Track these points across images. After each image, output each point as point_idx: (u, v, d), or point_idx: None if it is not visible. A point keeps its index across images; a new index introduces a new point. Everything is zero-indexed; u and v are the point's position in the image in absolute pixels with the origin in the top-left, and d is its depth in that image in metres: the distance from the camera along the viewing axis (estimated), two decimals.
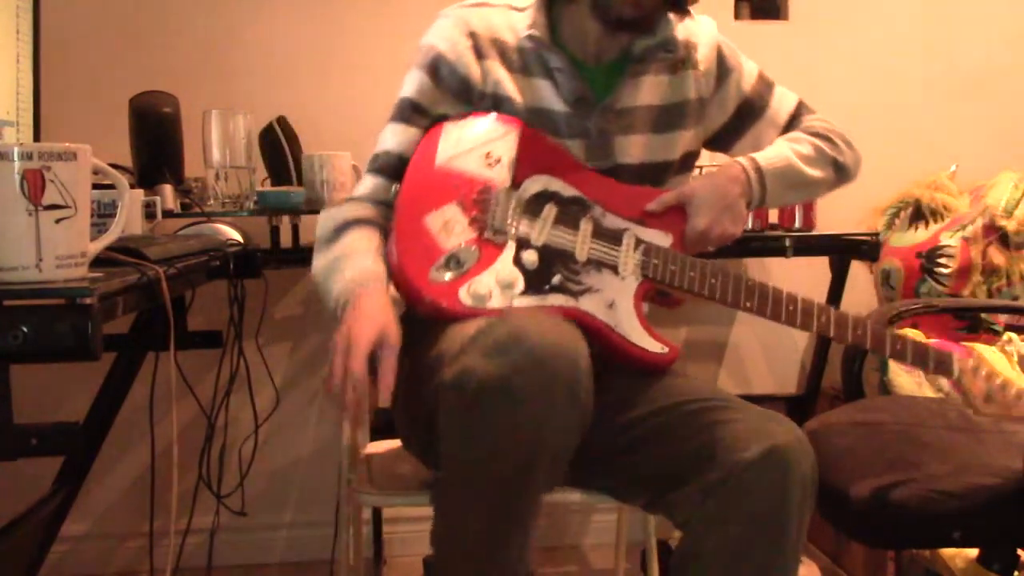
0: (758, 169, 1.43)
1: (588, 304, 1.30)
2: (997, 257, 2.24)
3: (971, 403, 1.39)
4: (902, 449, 1.44)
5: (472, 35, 1.40)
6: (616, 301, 1.32)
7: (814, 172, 1.48)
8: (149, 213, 1.74)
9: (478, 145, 1.36)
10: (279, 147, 2.14)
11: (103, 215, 1.51)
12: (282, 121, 2.15)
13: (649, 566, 1.81)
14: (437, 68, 1.39)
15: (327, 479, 2.40)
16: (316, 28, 2.38)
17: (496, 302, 1.26)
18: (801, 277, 2.42)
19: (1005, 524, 1.32)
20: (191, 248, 1.50)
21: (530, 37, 1.39)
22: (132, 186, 1.84)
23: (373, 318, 1.20)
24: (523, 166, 1.36)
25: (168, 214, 1.89)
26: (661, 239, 1.38)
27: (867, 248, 2.25)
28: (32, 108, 1.57)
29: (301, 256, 2.13)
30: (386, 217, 1.36)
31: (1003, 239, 2.25)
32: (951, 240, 2.28)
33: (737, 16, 2.57)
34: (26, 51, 1.55)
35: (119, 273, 1.13)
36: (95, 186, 1.33)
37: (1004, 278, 2.26)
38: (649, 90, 1.43)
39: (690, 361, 2.52)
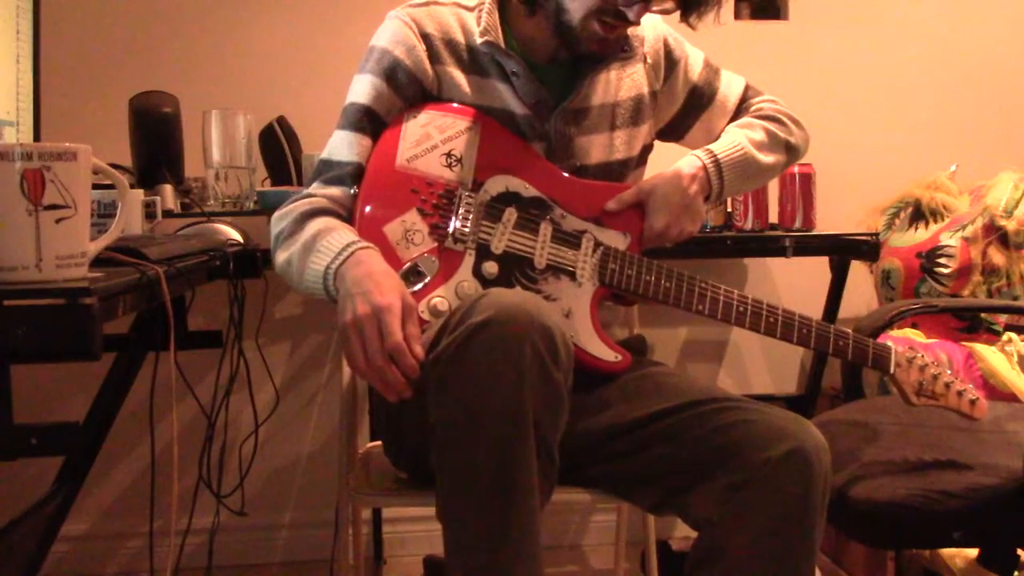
0: (716, 163, 1.42)
1: None
2: (997, 257, 2.25)
3: (904, 396, 1.40)
4: (902, 449, 1.44)
5: (426, 37, 1.36)
6: (573, 309, 1.32)
7: (768, 158, 1.48)
8: (149, 213, 1.73)
9: (439, 143, 1.34)
10: (279, 147, 2.14)
11: (103, 215, 1.51)
12: (282, 121, 2.15)
13: (649, 566, 1.82)
14: (394, 74, 1.35)
15: (327, 479, 2.40)
16: (316, 28, 2.38)
17: None
18: (801, 277, 2.43)
19: (1005, 524, 1.32)
20: (191, 248, 1.50)
21: (486, 43, 1.35)
22: (132, 186, 1.84)
23: (393, 280, 1.17)
24: (484, 165, 1.34)
25: (168, 214, 1.89)
26: (619, 240, 1.38)
27: (867, 248, 2.25)
28: (32, 108, 1.57)
29: None
30: (347, 221, 1.32)
31: (1003, 239, 2.25)
32: (951, 240, 2.28)
33: (737, 16, 2.57)
34: (26, 51, 1.54)
35: (119, 273, 1.12)
36: (95, 186, 1.33)
37: (1004, 278, 2.26)
38: (604, 88, 1.43)
39: (690, 361, 2.53)
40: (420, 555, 2.29)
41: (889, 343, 1.41)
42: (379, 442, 1.69)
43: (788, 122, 1.52)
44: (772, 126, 1.50)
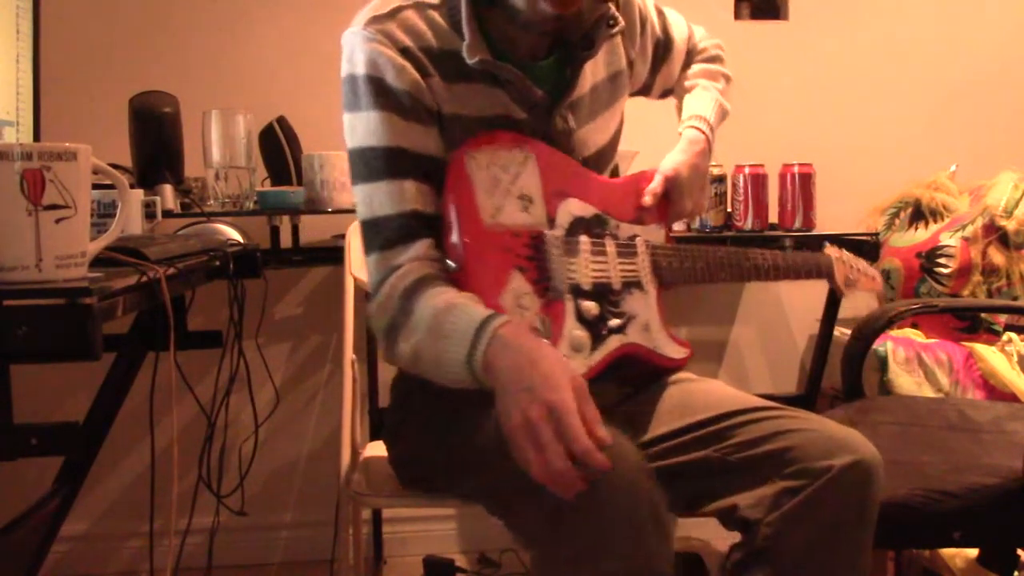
0: (711, 129, 1.44)
1: (634, 334, 1.30)
2: (997, 257, 2.25)
3: (838, 289, 1.60)
4: (902, 449, 1.44)
5: (405, 52, 1.20)
6: (649, 321, 1.33)
7: (728, 103, 1.51)
8: (149, 213, 1.73)
9: (509, 186, 1.22)
10: (279, 147, 2.14)
11: (103, 215, 1.50)
12: (282, 121, 2.15)
13: None
14: (397, 103, 1.19)
15: (327, 479, 2.39)
16: (316, 28, 2.38)
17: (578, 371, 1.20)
18: None
19: (1005, 524, 1.32)
20: (191, 248, 1.50)
21: (479, 62, 1.21)
22: (132, 186, 1.84)
23: (556, 365, 1.00)
24: (550, 195, 1.25)
25: (168, 214, 1.89)
26: (657, 233, 1.38)
27: (867, 248, 2.25)
28: (32, 108, 1.57)
29: (301, 256, 2.13)
30: (445, 271, 1.19)
31: (1003, 239, 2.25)
32: (951, 240, 2.28)
33: (737, 16, 2.57)
34: (26, 51, 1.54)
35: (119, 273, 1.12)
36: (95, 186, 1.33)
37: (1004, 278, 2.26)
38: (592, 70, 1.35)
39: (690, 361, 2.52)
40: (420, 555, 2.29)
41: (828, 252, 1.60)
42: (380, 442, 1.69)
43: (723, 54, 1.56)
44: (722, 67, 1.54)
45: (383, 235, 1.20)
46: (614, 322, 1.27)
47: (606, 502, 1.02)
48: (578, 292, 1.24)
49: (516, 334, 1.05)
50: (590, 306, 1.24)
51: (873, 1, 2.59)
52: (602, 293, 1.27)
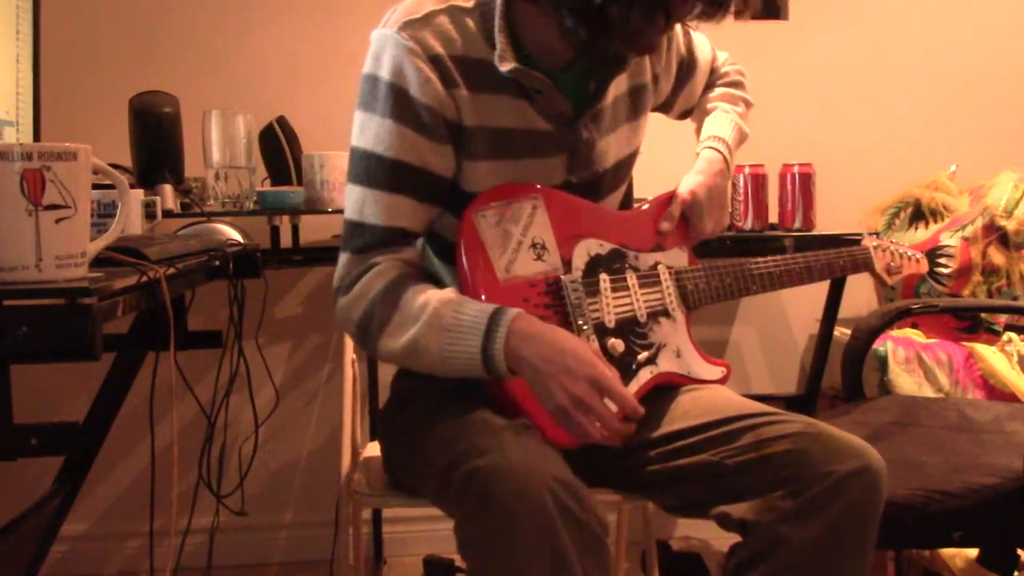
0: (729, 150, 1.45)
1: (665, 363, 1.32)
2: (997, 257, 2.25)
3: (883, 282, 1.63)
4: (902, 449, 1.44)
5: (434, 60, 1.18)
6: (680, 347, 1.34)
7: (747, 127, 1.52)
8: (149, 213, 1.73)
9: (521, 238, 1.24)
10: (279, 147, 2.14)
11: (103, 215, 1.50)
12: (282, 121, 2.15)
13: (649, 566, 1.82)
14: (416, 116, 1.18)
15: (327, 479, 2.40)
16: (316, 28, 2.38)
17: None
18: None
19: (1005, 524, 1.33)
20: (191, 248, 1.50)
21: (512, 71, 1.19)
22: (132, 186, 1.84)
23: (579, 344, 1.12)
24: (563, 239, 1.27)
25: (168, 214, 1.89)
26: (679, 257, 1.39)
27: None
28: (32, 108, 1.57)
29: (301, 256, 2.13)
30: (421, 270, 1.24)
31: (1003, 239, 2.25)
32: (951, 240, 2.28)
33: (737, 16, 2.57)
34: (26, 51, 1.54)
35: (119, 273, 1.12)
36: (95, 186, 1.33)
37: (1004, 278, 2.26)
38: (616, 82, 1.33)
39: None
40: (420, 555, 2.29)
41: (867, 244, 1.60)
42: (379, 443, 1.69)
43: (744, 80, 1.56)
44: (742, 92, 1.54)
45: (365, 238, 1.21)
46: (643, 355, 1.29)
47: (519, 532, 1.01)
48: (603, 331, 1.26)
49: (531, 324, 1.12)
50: (616, 343, 1.27)
51: (873, 1, 2.59)
52: (627, 327, 1.29)
